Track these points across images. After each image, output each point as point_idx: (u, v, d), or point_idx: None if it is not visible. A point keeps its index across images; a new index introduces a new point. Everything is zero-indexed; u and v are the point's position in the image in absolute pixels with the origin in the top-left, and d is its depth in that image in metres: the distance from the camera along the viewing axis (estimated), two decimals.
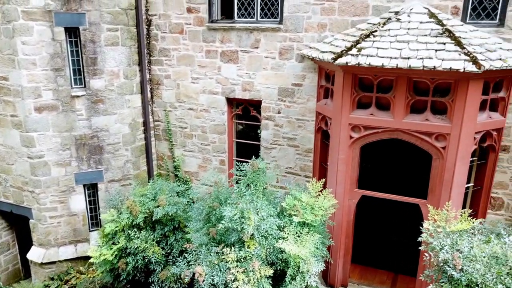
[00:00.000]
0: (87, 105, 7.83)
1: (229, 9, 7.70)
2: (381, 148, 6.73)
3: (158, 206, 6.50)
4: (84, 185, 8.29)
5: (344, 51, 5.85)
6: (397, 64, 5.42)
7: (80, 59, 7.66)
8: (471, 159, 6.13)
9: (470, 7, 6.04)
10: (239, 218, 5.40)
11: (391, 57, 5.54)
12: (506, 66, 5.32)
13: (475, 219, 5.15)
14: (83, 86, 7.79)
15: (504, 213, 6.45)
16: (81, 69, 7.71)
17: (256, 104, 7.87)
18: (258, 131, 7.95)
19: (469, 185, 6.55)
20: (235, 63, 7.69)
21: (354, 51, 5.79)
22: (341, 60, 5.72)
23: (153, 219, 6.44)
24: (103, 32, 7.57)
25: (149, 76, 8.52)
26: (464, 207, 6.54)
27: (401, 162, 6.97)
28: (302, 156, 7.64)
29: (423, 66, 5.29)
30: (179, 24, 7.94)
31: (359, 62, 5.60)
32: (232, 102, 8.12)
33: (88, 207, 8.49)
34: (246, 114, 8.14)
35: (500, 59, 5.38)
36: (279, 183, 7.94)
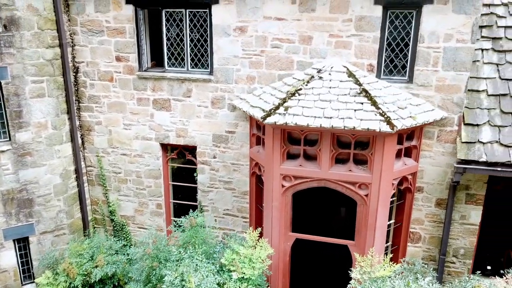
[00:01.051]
0: (14, 159, 7.50)
1: (160, 56, 7.75)
2: (314, 193, 7.16)
3: (96, 267, 6.45)
4: (14, 240, 7.94)
5: (272, 110, 6.17)
6: (320, 124, 5.84)
7: (4, 113, 7.32)
8: (391, 199, 6.76)
9: (383, 64, 6.63)
10: (179, 281, 5.54)
11: (315, 117, 5.95)
12: (415, 123, 5.94)
13: (396, 263, 5.72)
14: (8, 139, 7.45)
15: (421, 245, 7.16)
16: (5, 123, 7.38)
17: (191, 149, 8.00)
18: (195, 174, 8.09)
19: (391, 222, 7.20)
20: (168, 111, 7.76)
21: (281, 110, 6.14)
22: (270, 120, 6.04)
23: (92, 281, 6.38)
24: (27, 84, 7.29)
25: (79, 123, 8.32)
26: (387, 241, 7.19)
27: (333, 206, 7.47)
28: (239, 198, 7.91)
29: (344, 126, 5.75)
30: (108, 72, 7.85)
31: (286, 122, 5.95)
32: (166, 147, 8.18)
33: (19, 261, 8.14)
34: (181, 157, 8.25)
35: (410, 116, 5.99)
36: (218, 224, 8.14)
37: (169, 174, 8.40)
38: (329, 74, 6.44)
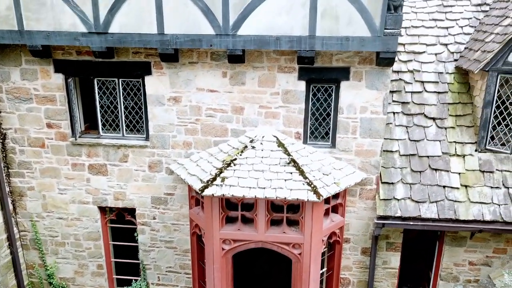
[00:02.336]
0: None
1: (94, 120, 7.76)
2: (255, 251, 7.59)
3: None
4: None
5: (210, 181, 6.51)
6: (255, 195, 6.29)
7: None
8: (323, 250, 7.40)
9: (309, 131, 7.23)
10: None
11: (250, 187, 6.38)
12: (339, 189, 6.60)
13: None
14: None
15: None
16: None
17: (130, 210, 8.10)
18: (135, 234, 8.20)
19: (323, 270, 7.86)
20: (105, 175, 7.80)
21: (218, 181, 6.50)
22: (208, 192, 6.37)
23: None
24: None
25: (10, 189, 8.07)
26: (321, 287, 7.84)
27: (272, 262, 7.97)
28: (181, 256, 8.15)
29: (276, 197, 6.25)
30: (39, 139, 7.71)
31: (223, 194, 6.33)
32: (105, 209, 8.20)
33: None
34: (121, 218, 8.31)
35: (334, 182, 6.63)
36: (161, 281, 8.32)
37: (109, 235, 8.41)
38: (261, 143, 6.92)
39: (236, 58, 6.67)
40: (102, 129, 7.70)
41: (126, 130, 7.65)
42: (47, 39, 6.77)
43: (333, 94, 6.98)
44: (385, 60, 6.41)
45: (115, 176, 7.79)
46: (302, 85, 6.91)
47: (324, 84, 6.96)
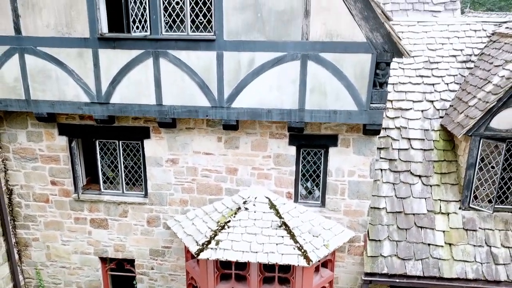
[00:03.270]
0: None
1: (96, 175, 8.14)
2: None
3: None
4: None
5: (205, 244, 6.87)
6: (248, 260, 6.66)
7: None
8: None
9: (300, 191, 7.61)
10: None
11: (243, 251, 6.74)
12: (328, 252, 6.96)
13: None
14: None
15: None
16: None
17: (130, 260, 8.47)
18: (134, 283, 8.57)
19: None
20: (106, 229, 8.18)
21: (213, 244, 6.85)
22: (203, 255, 6.73)
23: None
24: None
25: (16, 240, 8.46)
26: None
27: None
28: None
29: (268, 261, 6.61)
30: (43, 195, 8.10)
31: (218, 258, 6.70)
32: (105, 259, 8.58)
33: None
34: (121, 267, 8.68)
35: (324, 245, 6.99)
36: None
37: (109, 282, 8.79)
38: (254, 205, 7.28)
39: (231, 126, 7.04)
40: (103, 186, 8.08)
41: (125, 187, 8.02)
42: (52, 108, 7.17)
43: (322, 158, 7.35)
44: (371, 130, 6.78)
45: (115, 230, 8.17)
46: (292, 149, 7.28)
47: (314, 148, 7.33)
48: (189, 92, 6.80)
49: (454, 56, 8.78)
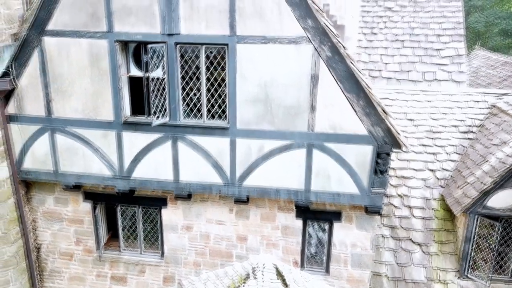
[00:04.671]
0: None
1: (116, 232, 8.77)
2: None
3: None
4: None
5: None
6: None
7: None
8: None
9: (306, 260, 8.12)
10: None
11: None
12: None
13: None
14: None
15: None
16: None
17: None
18: None
19: None
20: (124, 285, 8.79)
21: None
22: None
23: None
24: None
25: None
26: None
27: None
28: None
29: None
30: (68, 252, 8.76)
31: None
32: None
33: None
34: None
35: None
36: None
37: None
38: (262, 274, 7.80)
39: (242, 201, 7.61)
40: (123, 245, 8.70)
41: (144, 247, 8.63)
42: (78, 179, 7.83)
43: (327, 231, 7.85)
44: (372, 211, 7.27)
45: (134, 286, 8.78)
46: (299, 222, 7.80)
47: (319, 222, 7.84)
48: (204, 171, 7.38)
49: (456, 126, 9.20)
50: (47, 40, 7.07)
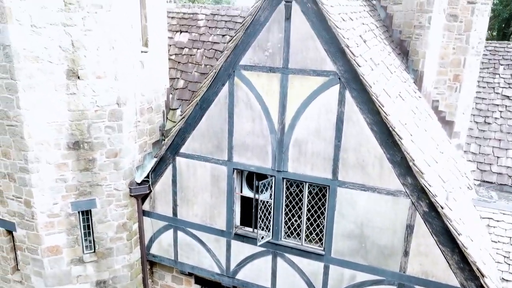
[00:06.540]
0: None
1: None
2: None
3: None
4: None
5: None
6: None
7: None
8: None
9: None
10: None
11: None
12: None
13: None
14: None
15: None
16: None
17: None
18: None
19: None
20: None
21: None
22: None
23: None
24: None
25: None
26: None
27: None
28: None
29: None
30: None
31: None
32: None
33: None
34: None
35: None
36: None
37: None
38: None
39: None
40: None
41: None
42: (191, 269, 9.18)
43: None
44: None
45: None
46: None
47: None
48: (298, 285, 8.14)
49: None
50: (179, 160, 8.54)
